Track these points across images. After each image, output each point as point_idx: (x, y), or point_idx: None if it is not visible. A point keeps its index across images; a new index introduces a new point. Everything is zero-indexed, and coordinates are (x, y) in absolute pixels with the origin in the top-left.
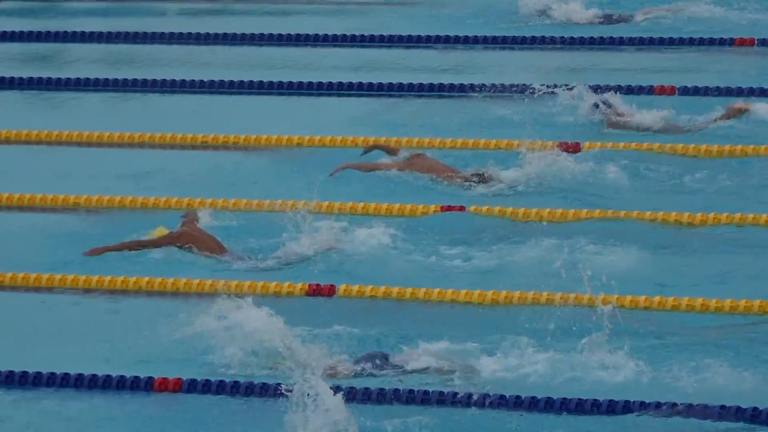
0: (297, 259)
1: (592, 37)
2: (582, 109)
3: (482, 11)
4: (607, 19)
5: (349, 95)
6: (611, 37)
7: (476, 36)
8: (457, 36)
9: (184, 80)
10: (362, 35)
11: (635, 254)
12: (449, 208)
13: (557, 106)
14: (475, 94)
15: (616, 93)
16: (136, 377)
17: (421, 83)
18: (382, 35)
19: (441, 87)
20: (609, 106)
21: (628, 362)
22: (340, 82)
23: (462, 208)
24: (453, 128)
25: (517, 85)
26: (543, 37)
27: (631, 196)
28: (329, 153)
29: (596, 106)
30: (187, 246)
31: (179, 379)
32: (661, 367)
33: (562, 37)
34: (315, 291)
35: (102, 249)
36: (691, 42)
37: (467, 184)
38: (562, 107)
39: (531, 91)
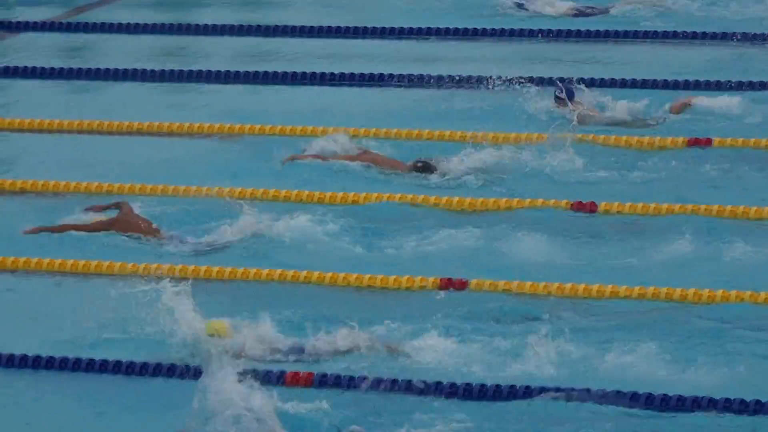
0: (224, 244)
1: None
2: (546, 101)
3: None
4: (581, 13)
5: None
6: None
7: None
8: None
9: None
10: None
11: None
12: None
13: (520, 99)
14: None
15: (581, 85)
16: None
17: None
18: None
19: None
20: (569, 96)
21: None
22: None
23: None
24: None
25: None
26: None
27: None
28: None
29: (557, 98)
30: (121, 231)
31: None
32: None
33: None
34: (447, 285)
35: (38, 228)
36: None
37: (413, 174)
38: (524, 100)
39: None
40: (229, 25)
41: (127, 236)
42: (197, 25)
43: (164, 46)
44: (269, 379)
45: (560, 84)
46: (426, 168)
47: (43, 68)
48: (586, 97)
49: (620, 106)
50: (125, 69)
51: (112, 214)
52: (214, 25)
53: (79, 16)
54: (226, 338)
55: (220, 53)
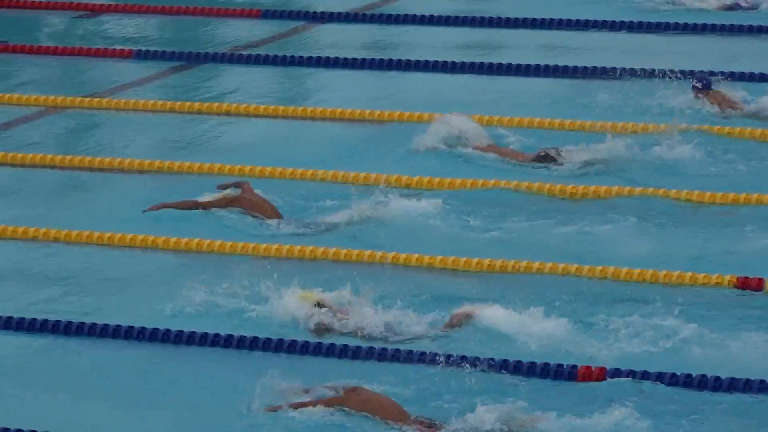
0: (342, 226)
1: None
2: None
3: None
4: (731, 8)
5: None
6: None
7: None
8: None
9: None
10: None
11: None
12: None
13: (661, 91)
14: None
15: (722, 78)
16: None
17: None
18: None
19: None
20: (706, 86)
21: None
22: None
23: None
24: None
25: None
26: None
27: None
28: None
29: (694, 88)
30: (242, 209)
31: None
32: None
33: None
34: (743, 285)
35: (160, 206)
36: None
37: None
38: (665, 92)
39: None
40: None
41: (247, 215)
42: (501, 18)
43: (470, 38)
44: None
45: (697, 75)
46: (547, 158)
47: (345, 59)
48: (731, 90)
49: (766, 100)
50: (434, 61)
51: (235, 192)
52: (516, 18)
53: (382, 8)
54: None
55: (520, 46)
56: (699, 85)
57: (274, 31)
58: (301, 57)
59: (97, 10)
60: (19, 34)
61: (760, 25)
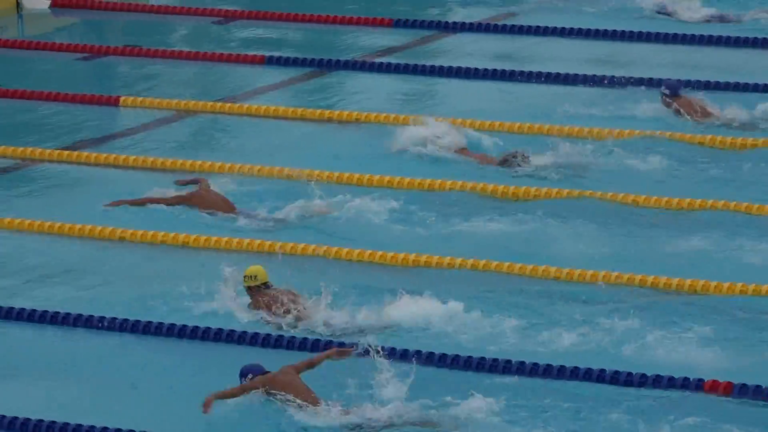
0: (296, 222)
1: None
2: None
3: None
4: (720, 19)
5: None
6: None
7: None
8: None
9: None
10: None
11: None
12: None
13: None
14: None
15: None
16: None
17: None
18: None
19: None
20: (673, 92)
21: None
22: None
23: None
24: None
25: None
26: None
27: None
28: None
29: (662, 95)
30: (196, 205)
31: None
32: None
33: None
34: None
35: (119, 202)
36: None
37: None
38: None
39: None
40: None
41: (203, 211)
42: (624, 31)
43: (599, 52)
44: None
45: (665, 82)
46: (507, 162)
47: (476, 69)
48: (700, 97)
49: (739, 109)
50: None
51: (190, 190)
52: (640, 32)
53: (512, 19)
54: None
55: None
56: (667, 92)
57: (405, 40)
58: (432, 66)
59: (230, 16)
60: (153, 37)
61: (746, 37)
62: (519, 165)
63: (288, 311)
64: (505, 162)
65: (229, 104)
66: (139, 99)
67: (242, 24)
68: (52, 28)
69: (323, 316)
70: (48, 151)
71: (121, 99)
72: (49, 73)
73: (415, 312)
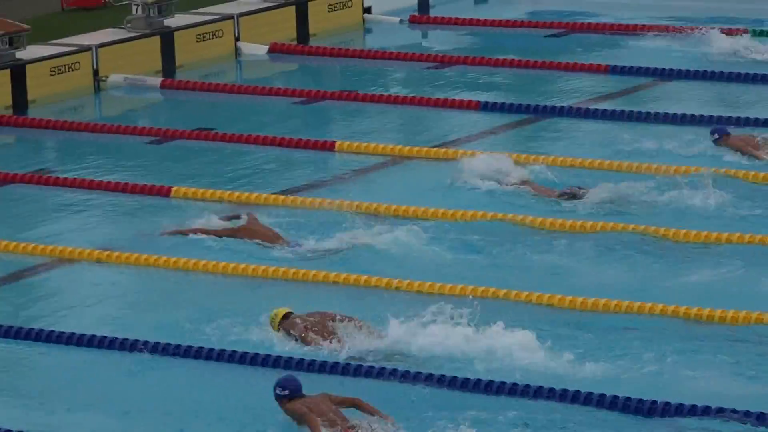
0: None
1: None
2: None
3: None
4: None
5: None
6: None
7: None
8: None
9: None
10: None
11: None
12: None
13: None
14: None
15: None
16: None
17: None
18: None
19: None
20: (720, 134)
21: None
22: None
23: None
24: None
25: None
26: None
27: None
28: None
29: (714, 140)
30: (245, 238)
31: None
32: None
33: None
34: None
35: (173, 231)
36: None
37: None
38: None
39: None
40: None
41: (252, 242)
42: None
43: None
44: None
45: (711, 128)
46: (570, 195)
47: (692, 115)
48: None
49: None
50: None
51: (238, 223)
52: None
53: (729, 67)
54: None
55: None
56: (715, 135)
57: (621, 87)
58: (648, 113)
59: (446, 62)
60: (368, 82)
61: None
62: (575, 197)
63: (319, 333)
64: (562, 195)
65: (444, 150)
66: (354, 144)
67: (457, 69)
68: (269, 73)
69: (364, 340)
70: (264, 195)
71: (337, 144)
72: (266, 118)
73: (454, 341)
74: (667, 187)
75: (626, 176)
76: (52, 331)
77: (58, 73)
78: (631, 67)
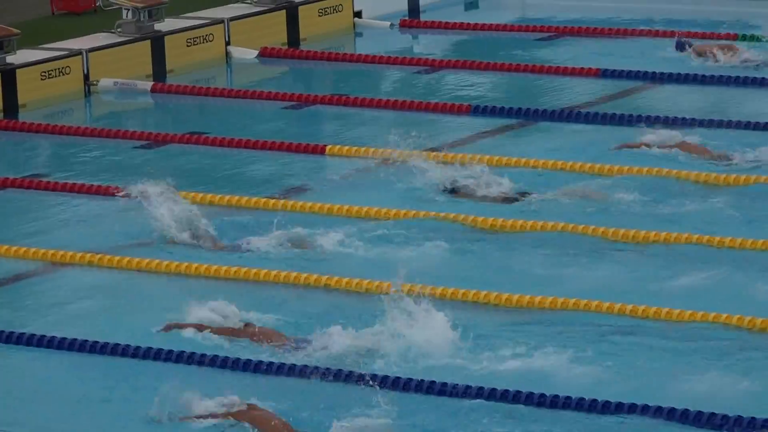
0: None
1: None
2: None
3: None
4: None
5: None
6: None
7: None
8: None
9: None
10: None
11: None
12: None
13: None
14: None
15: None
16: None
17: None
18: None
19: None
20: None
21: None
22: None
23: None
24: None
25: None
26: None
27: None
28: None
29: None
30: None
31: None
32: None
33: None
34: None
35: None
36: None
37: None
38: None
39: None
40: None
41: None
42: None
43: None
44: None
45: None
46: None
47: (683, 118)
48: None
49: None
50: None
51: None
52: None
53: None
54: None
55: None
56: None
57: (611, 91)
58: (639, 116)
59: (436, 66)
60: (359, 86)
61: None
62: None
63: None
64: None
65: (434, 153)
66: (345, 148)
67: (448, 73)
68: (260, 77)
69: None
70: (254, 199)
71: (327, 148)
72: (256, 122)
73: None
74: (619, 188)
75: (581, 177)
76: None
77: (49, 78)
78: (622, 70)
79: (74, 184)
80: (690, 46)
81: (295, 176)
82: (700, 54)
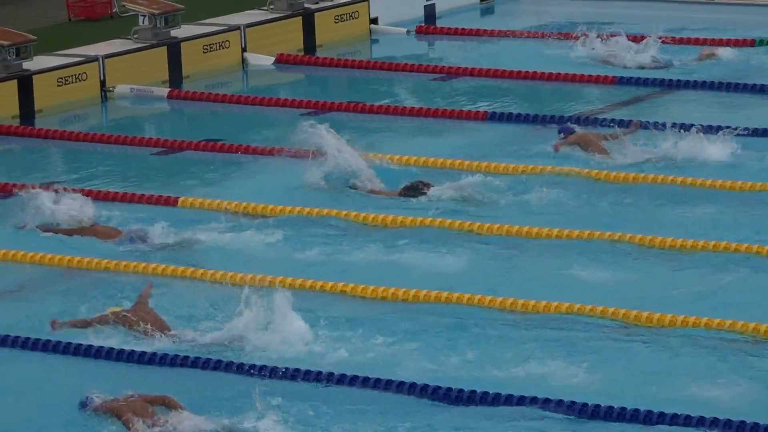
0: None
1: None
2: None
3: None
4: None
5: None
6: None
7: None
8: None
9: None
10: None
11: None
12: None
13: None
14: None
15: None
16: None
17: None
18: None
19: None
20: (566, 132)
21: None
22: None
23: None
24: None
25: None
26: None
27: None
28: None
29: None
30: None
31: None
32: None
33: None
34: None
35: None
36: None
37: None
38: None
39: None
40: None
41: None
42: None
43: None
44: None
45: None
46: (411, 191)
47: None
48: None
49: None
50: None
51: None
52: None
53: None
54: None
55: None
56: (561, 135)
57: (627, 97)
58: (656, 123)
59: (452, 73)
60: (375, 93)
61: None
62: (420, 193)
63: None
64: (406, 191)
65: (450, 160)
66: (372, 154)
67: (464, 80)
68: (276, 84)
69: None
70: (270, 207)
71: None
72: (273, 128)
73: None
74: (516, 186)
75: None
76: None
77: (65, 84)
78: (638, 78)
79: (90, 190)
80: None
81: (312, 183)
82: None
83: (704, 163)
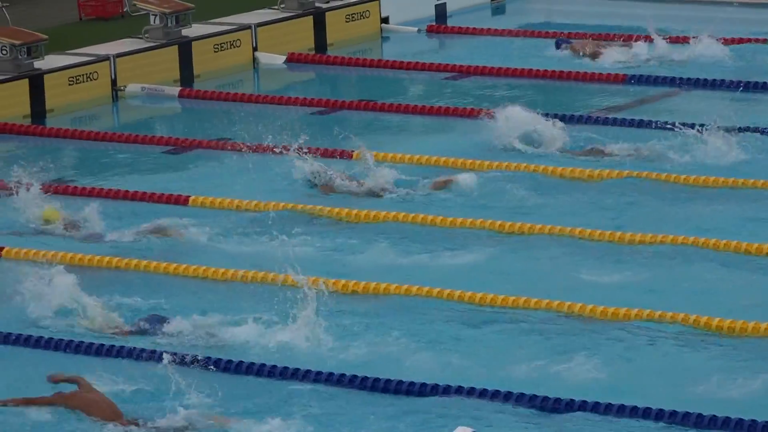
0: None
1: None
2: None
3: None
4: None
5: None
6: None
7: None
8: None
9: None
10: None
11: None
12: None
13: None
14: None
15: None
16: None
17: None
18: None
19: None
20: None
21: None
22: None
23: None
24: None
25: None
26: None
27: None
28: None
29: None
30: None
31: None
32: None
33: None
34: None
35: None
36: None
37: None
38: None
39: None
40: None
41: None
42: None
43: None
44: None
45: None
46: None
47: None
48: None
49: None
50: None
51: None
52: None
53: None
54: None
55: None
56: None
57: (636, 97)
58: (665, 121)
59: (463, 72)
60: (386, 92)
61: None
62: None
63: None
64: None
65: (461, 160)
66: (373, 153)
67: (475, 79)
68: (287, 83)
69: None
70: (281, 204)
71: (354, 153)
72: (284, 127)
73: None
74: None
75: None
76: None
77: (77, 83)
78: (649, 76)
79: (101, 188)
80: (567, 44)
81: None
82: (575, 51)
83: (704, 162)
